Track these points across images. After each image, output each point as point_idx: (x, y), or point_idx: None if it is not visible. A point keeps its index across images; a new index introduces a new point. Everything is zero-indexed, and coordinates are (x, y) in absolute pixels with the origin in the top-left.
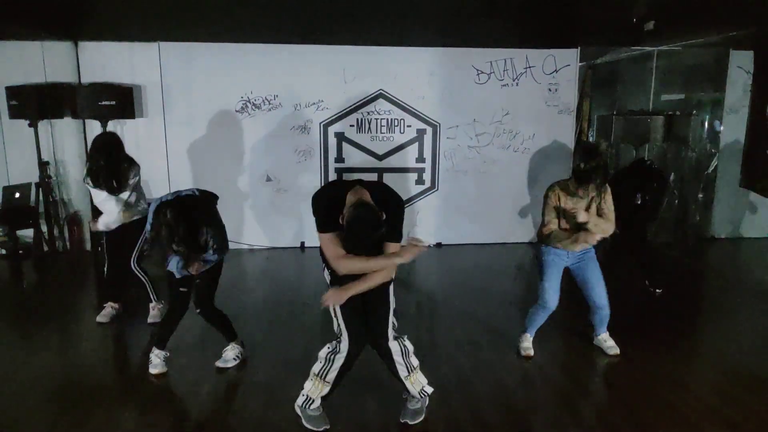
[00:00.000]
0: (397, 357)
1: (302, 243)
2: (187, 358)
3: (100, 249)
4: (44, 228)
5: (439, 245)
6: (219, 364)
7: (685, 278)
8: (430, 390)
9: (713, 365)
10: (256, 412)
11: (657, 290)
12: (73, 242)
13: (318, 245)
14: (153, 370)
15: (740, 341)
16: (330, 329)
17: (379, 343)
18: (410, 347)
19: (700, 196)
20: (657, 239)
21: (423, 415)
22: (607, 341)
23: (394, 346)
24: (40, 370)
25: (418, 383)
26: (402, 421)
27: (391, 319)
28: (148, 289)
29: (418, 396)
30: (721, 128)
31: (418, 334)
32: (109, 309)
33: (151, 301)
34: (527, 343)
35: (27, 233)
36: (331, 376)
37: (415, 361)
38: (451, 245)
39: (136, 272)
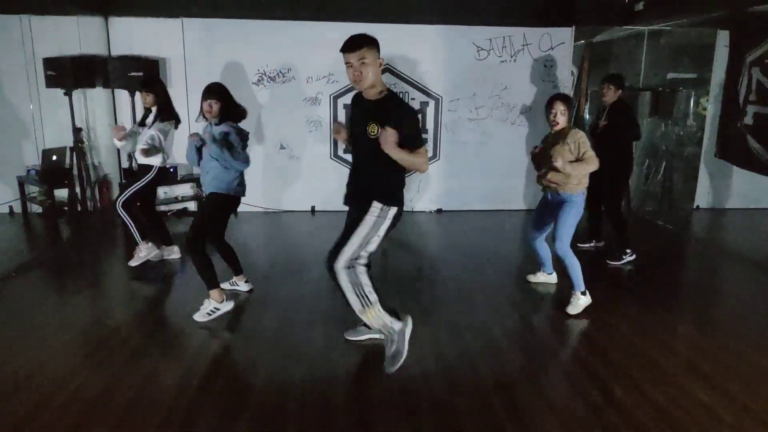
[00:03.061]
0: (345, 284)
1: (313, 207)
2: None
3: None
4: (77, 189)
5: (439, 211)
6: (195, 317)
7: (669, 245)
8: (397, 326)
9: (695, 325)
10: (267, 362)
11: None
12: (103, 203)
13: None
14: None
15: (720, 304)
16: (336, 289)
17: (329, 262)
18: (365, 281)
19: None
20: (644, 208)
21: (402, 358)
22: (571, 299)
23: (342, 272)
24: (70, 317)
25: (377, 318)
26: (386, 372)
27: (354, 246)
28: (132, 230)
29: (386, 333)
30: (708, 105)
31: (418, 294)
32: (153, 251)
33: (137, 244)
34: (535, 274)
35: (61, 193)
36: (369, 292)
37: (372, 296)
38: (451, 211)
39: (122, 213)
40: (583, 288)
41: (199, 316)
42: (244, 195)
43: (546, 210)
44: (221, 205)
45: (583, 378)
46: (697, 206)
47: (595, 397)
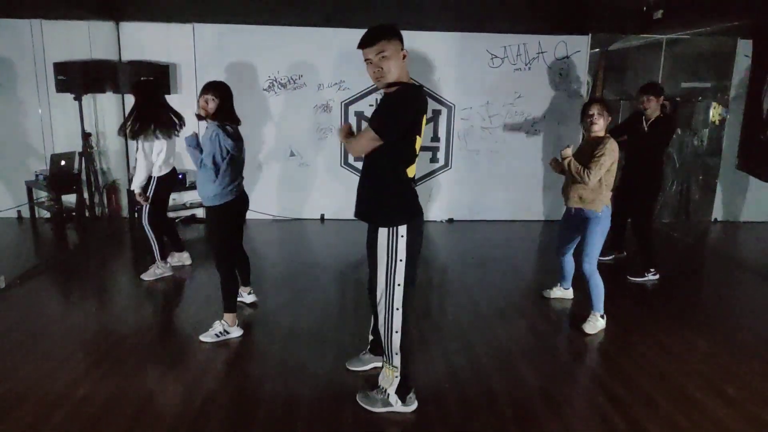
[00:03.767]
0: (381, 322)
1: (322, 215)
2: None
3: (137, 214)
4: (86, 195)
5: (451, 221)
6: (202, 337)
7: (685, 257)
8: (393, 403)
9: (710, 339)
10: (274, 377)
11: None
12: (111, 209)
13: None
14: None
15: (737, 318)
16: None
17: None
18: (396, 343)
19: (704, 179)
20: (661, 220)
21: (372, 409)
22: (588, 319)
23: (382, 312)
24: (77, 325)
25: (386, 380)
26: (357, 395)
27: (382, 282)
28: (153, 248)
29: (383, 387)
30: (727, 115)
31: (429, 307)
32: (169, 272)
33: (155, 260)
34: (551, 289)
35: (69, 198)
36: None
37: (396, 360)
38: (463, 221)
39: (147, 229)
40: (602, 311)
41: (207, 337)
42: (239, 196)
43: (570, 224)
44: (219, 218)
45: (605, 404)
46: (715, 219)
47: (617, 423)
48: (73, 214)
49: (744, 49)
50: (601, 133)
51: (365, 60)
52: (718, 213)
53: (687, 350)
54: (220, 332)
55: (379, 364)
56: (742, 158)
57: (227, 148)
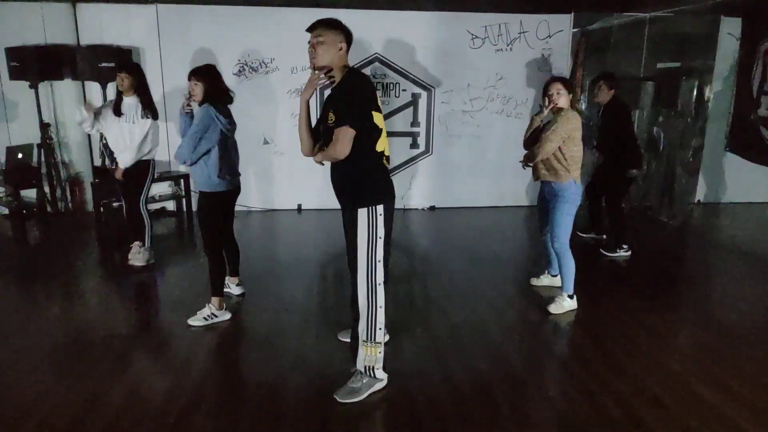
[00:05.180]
0: (362, 302)
1: (299, 205)
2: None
3: (102, 208)
4: (46, 189)
5: (433, 208)
6: (190, 321)
7: (669, 240)
8: (381, 378)
9: (695, 321)
10: (256, 363)
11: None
12: (74, 203)
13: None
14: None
15: (721, 300)
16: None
17: (352, 277)
18: (381, 318)
19: (690, 160)
20: (643, 202)
21: (359, 399)
22: (555, 299)
23: (362, 282)
24: (43, 327)
25: (371, 358)
26: (334, 396)
27: (363, 259)
28: (147, 231)
29: (363, 371)
30: (711, 95)
31: (413, 297)
32: (136, 248)
33: (143, 245)
34: (538, 278)
35: (29, 194)
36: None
37: (380, 336)
38: (445, 208)
39: (144, 213)
40: (571, 291)
41: (195, 320)
42: (234, 188)
43: (543, 203)
44: (208, 205)
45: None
46: (698, 201)
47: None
48: (34, 209)
49: (727, 27)
50: (564, 107)
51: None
52: (700, 194)
53: (665, 328)
54: (208, 315)
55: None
56: (732, 140)
57: (221, 125)
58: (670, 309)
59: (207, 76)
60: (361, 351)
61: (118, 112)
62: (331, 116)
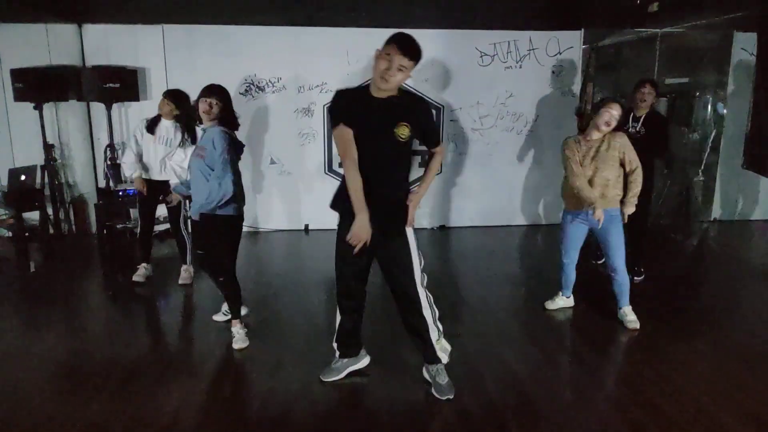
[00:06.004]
0: (426, 312)
1: (306, 225)
2: (196, 332)
3: (106, 230)
4: (50, 210)
5: (442, 228)
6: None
7: (686, 260)
8: (445, 360)
9: (716, 346)
10: (261, 390)
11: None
12: (78, 225)
13: (319, 228)
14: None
15: (742, 323)
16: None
17: (409, 296)
18: (436, 310)
19: (702, 178)
20: (659, 221)
21: (450, 394)
22: (627, 315)
23: (422, 294)
24: (46, 352)
25: (445, 349)
26: (444, 398)
27: (420, 267)
28: (187, 251)
29: (441, 358)
30: (725, 111)
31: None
32: (143, 269)
33: (185, 264)
34: (553, 300)
35: (32, 216)
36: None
37: (439, 324)
38: (455, 227)
39: (184, 234)
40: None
41: (241, 343)
42: (240, 215)
43: (580, 230)
44: (212, 230)
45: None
46: (714, 219)
47: None
48: (37, 231)
49: (740, 42)
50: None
51: (386, 53)
52: (716, 212)
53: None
54: (241, 331)
55: (356, 367)
56: (749, 157)
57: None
58: (690, 336)
59: (226, 96)
60: (444, 344)
61: (152, 130)
62: (404, 131)
